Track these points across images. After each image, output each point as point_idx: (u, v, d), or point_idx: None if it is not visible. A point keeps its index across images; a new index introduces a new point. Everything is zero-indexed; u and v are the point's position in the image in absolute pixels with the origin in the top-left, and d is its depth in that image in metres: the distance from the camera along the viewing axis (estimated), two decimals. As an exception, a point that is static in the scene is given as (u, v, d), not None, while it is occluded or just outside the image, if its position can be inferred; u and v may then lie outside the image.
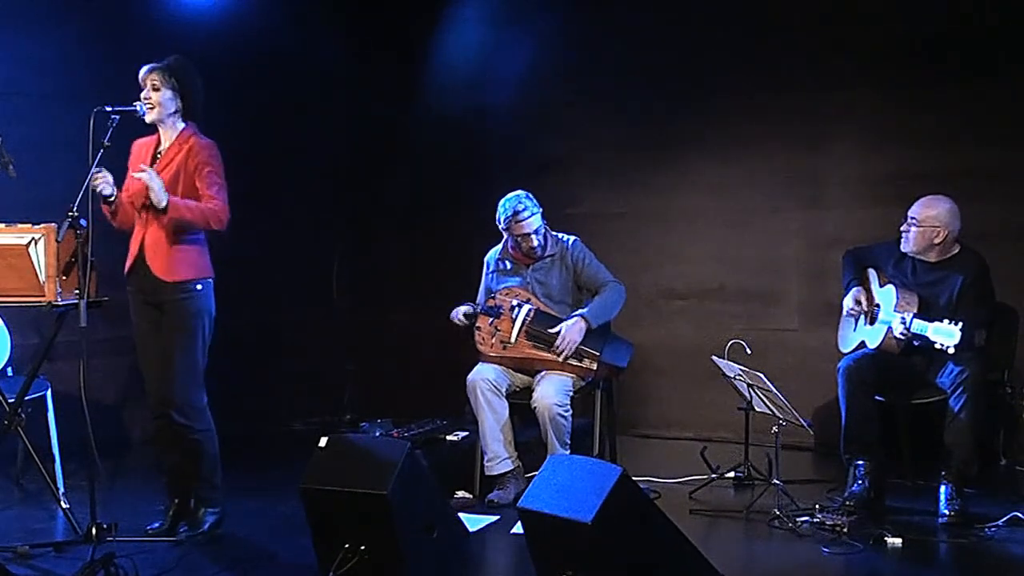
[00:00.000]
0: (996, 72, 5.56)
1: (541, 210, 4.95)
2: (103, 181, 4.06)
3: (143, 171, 4.04)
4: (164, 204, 4.02)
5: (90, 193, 4.01)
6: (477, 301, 5.11)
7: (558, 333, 4.78)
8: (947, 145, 5.65)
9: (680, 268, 6.37)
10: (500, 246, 5.14)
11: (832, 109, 5.97)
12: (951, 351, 4.26)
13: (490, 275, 5.13)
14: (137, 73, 4.20)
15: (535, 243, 4.93)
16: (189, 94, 4.20)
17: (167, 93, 4.16)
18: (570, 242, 5.04)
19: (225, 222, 4.15)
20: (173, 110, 4.19)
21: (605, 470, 3.31)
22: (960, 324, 4.24)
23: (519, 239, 4.93)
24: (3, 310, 4.88)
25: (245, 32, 6.36)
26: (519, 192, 4.94)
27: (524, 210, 4.87)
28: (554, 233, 5.06)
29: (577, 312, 4.85)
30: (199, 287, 4.18)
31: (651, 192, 6.43)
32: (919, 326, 4.39)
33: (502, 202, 4.94)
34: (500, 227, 4.97)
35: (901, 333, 4.46)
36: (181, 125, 4.23)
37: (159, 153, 4.22)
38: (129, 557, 3.69)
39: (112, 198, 4.14)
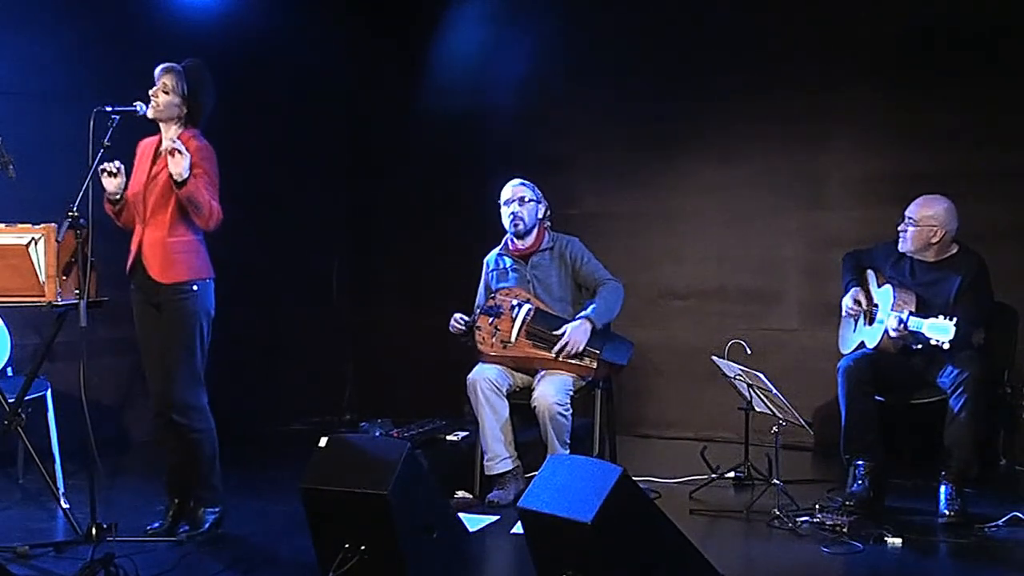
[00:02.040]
0: (996, 72, 5.55)
1: (543, 203, 5.06)
2: (111, 179, 4.07)
3: (174, 142, 4.04)
4: (187, 176, 4.01)
5: (90, 193, 4.01)
6: (476, 303, 5.11)
7: (562, 334, 4.78)
8: (947, 145, 5.65)
9: (680, 268, 6.37)
10: (499, 246, 5.15)
11: (832, 109, 5.96)
12: (946, 346, 4.26)
13: (489, 274, 5.14)
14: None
15: (516, 209, 4.97)
16: (197, 103, 4.19)
17: (174, 99, 4.15)
18: (568, 240, 5.08)
19: (217, 222, 4.16)
20: (175, 115, 4.18)
21: (605, 470, 3.31)
22: (955, 320, 4.24)
23: (508, 206, 4.98)
24: (3, 310, 4.88)
25: (245, 32, 6.36)
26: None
27: (525, 185, 5.05)
28: (554, 232, 5.10)
29: (581, 314, 4.85)
30: (195, 288, 4.17)
31: (651, 192, 6.43)
32: (915, 323, 4.39)
33: None
34: (501, 199, 5.03)
35: (897, 330, 4.46)
36: (182, 129, 4.21)
37: (160, 152, 4.21)
38: (129, 557, 3.69)
39: (117, 197, 4.14)
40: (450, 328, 4.98)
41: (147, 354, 4.27)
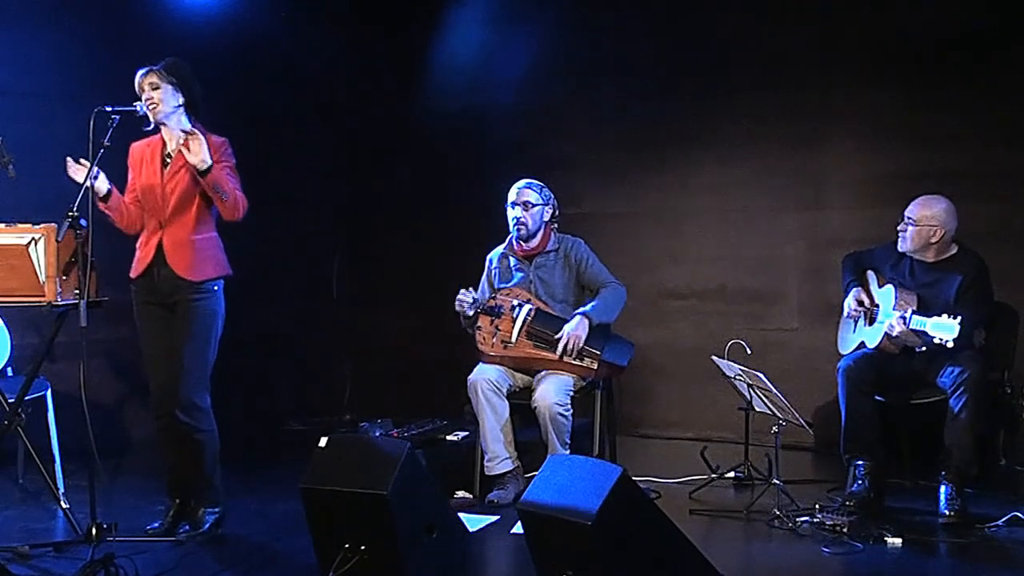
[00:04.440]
0: (997, 72, 5.56)
1: (550, 205, 5.02)
2: (87, 175, 4.04)
3: (193, 133, 4.02)
4: (209, 164, 4.01)
5: (90, 193, 4.01)
6: (477, 298, 5.11)
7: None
8: (947, 145, 5.65)
9: (680, 268, 6.38)
10: (503, 244, 5.15)
11: (832, 109, 5.97)
12: (950, 345, 4.25)
13: (492, 271, 5.14)
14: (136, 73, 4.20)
15: (519, 214, 4.94)
16: (189, 91, 4.17)
17: (168, 89, 4.12)
18: (574, 242, 5.06)
19: (244, 212, 4.16)
20: (177, 104, 4.15)
21: (605, 470, 3.31)
22: (959, 318, 4.24)
23: (512, 209, 4.96)
24: (3, 310, 4.88)
25: (244, 32, 6.36)
26: (540, 182, 5.08)
27: (532, 188, 5.00)
28: (560, 234, 5.09)
29: (579, 311, 4.85)
30: (216, 288, 4.20)
31: (651, 192, 6.43)
32: (918, 321, 4.39)
33: None
34: (508, 202, 5.00)
35: (900, 330, 4.46)
36: (187, 123, 4.19)
37: (168, 155, 4.20)
38: (129, 557, 3.68)
39: (106, 196, 4.12)
40: (456, 304, 4.92)
41: (152, 355, 4.25)
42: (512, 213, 4.99)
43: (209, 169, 4.02)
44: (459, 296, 4.92)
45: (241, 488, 4.86)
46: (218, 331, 4.22)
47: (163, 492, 4.41)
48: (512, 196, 5.00)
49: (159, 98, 4.11)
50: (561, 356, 4.77)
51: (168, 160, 4.19)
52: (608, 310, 4.89)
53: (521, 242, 5.03)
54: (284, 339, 6.85)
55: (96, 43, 5.84)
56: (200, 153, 4.00)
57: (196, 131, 4.03)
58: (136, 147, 4.29)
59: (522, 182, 5.04)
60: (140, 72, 4.14)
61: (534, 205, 4.97)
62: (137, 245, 4.25)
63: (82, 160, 4.03)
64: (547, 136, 6.63)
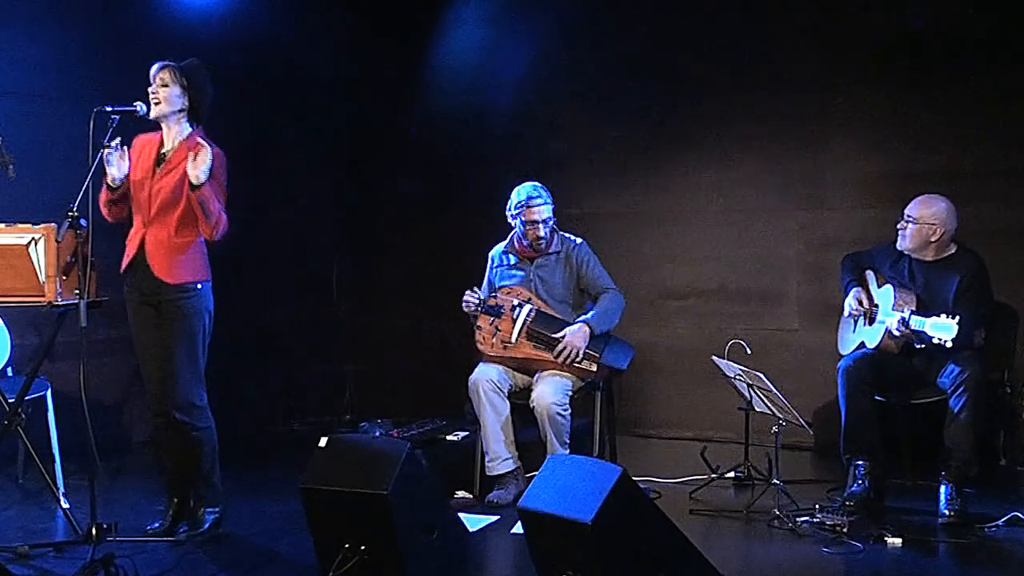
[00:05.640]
0: (997, 72, 5.56)
1: (553, 206, 4.99)
2: (117, 161, 4.06)
3: (203, 147, 4.04)
4: (204, 180, 4.03)
5: (90, 193, 4.01)
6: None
7: (561, 337, 4.79)
8: (947, 145, 5.65)
9: (680, 268, 6.37)
10: (505, 242, 5.15)
11: (832, 109, 5.96)
12: (949, 345, 4.26)
13: (494, 270, 5.14)
14: (138, 73, 4.19)
15: (542, 233, 4.93)
16: (197, 96, 4.18)
17: (175, 90, 4.13)
18: (577, 243, 5.06)
19: (222, 234, 4.16)
20: (179, 108, 4.16)
21: (605, 470, 3.31)
22: (957, 318, 4.25)
23: (527, 227, 4.94)
24: (3, 310, 4.88)
25: (245, 33, 6.36)
26: (535, 183, 5.01)
27: (538, 198, 4.94)
28: (562, 232, 5.09)
29: (581, 319, 4.86)
30: (199, 286, 4.18)
31: (651, 192, 6.43)
32: (917, 322, 4.40)
33: (517, 189, 5.00)
34: (511, 213, 4.98)
35: (899, 330, 4.47)
36: (187, 127, 4.20)
37: (163, 154, 4.20)
38: (129, 557, 3.69)
39: (118, 184, 4.13)
40: (463, 305, 4.92)
41: (144, 354, 4.26)
42: (529, 230, 4.93)
43: (202, 186, 4.03)
44: (466, 297, 4.93)
45: (241, 488, 4.86)
46: (206, 328, 4.21)
47: (163, 492, 4.41)
48: (524, 214, 4.92)
49: (163, 96, 4.13)
50: (557, 358, 4.78)
51: (163, 159, 4.20)
52: (609, 319, 4.90)
53: (531, 247, 5.02)
54: (284, 339, 6.85)
55: (96, 43, 5.84)
56: (201, 167, 4.02)
57: (207, 146, 4.03)
58: (138, 140, 4.29)
59: (526, 195, 4.93)
60: (157, 64, 4.16)
61: (548, 218, 4.94)
62: (126, 240, 4.25)
63: (125, 148, 4.07)
64: (547, 136, 6.63)
